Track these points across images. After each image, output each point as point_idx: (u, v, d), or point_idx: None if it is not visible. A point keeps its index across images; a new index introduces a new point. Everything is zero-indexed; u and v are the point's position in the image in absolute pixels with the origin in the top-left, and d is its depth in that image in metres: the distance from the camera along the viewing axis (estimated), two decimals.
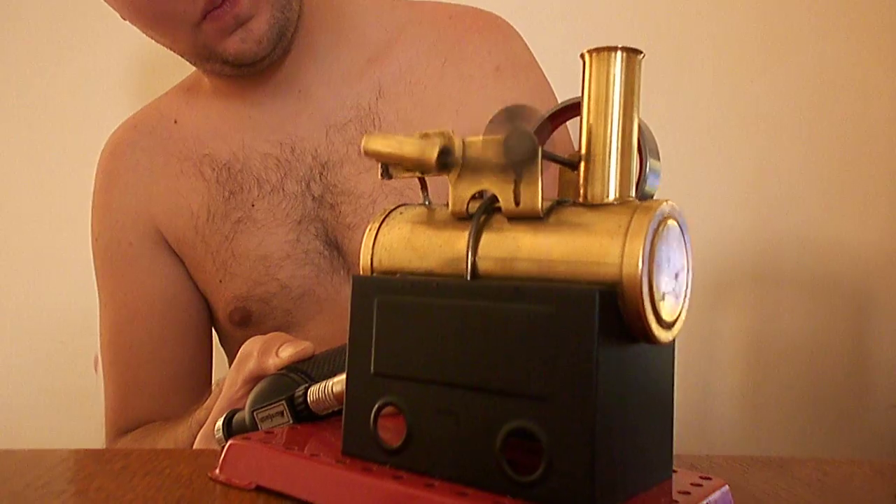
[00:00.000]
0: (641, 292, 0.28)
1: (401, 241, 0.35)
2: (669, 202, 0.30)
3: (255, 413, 0.43)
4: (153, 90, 0.91)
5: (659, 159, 0.35)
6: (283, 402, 0.41)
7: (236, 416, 0.45)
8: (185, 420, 0.69)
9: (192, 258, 0.80)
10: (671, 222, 0.30)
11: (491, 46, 0.80)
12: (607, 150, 0.31)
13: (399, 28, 0.81)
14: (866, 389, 1.40)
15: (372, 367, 0.33)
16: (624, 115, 0.31)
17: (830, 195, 1.35)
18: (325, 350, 0.48)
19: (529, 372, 0.29)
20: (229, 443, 0.36)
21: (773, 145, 1.33)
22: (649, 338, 0.29)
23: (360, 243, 0.74)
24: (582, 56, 0.32)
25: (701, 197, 1.27)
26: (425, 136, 0.33)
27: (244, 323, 0.79)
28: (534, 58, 0.82)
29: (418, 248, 0.34)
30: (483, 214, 0.33)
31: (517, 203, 0.31)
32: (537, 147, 0.31)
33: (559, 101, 0.36)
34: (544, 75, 0.82)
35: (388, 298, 0.33)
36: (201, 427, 0.66)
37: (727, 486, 0.34)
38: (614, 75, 0.31)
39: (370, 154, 0.34)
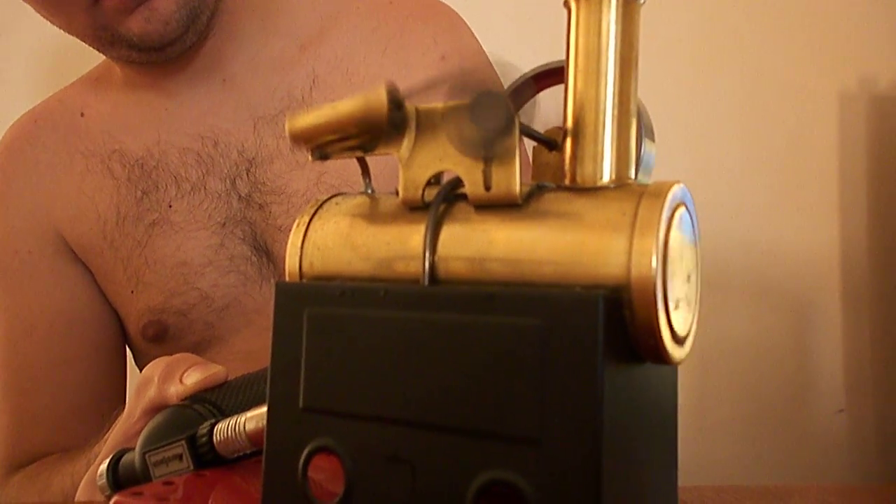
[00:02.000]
0: (655, 299, 0.22)
1: (337, 238, 0.27)
2: (680, 184, 0.24)
3: (147, 455, 0.34)
4: (60, 82, 0.82)
5: (654, 140, 0.29)
6: (183, 441, 0.33)
7: (124, 459, 0.37)
8: (85, 453, 0.60)
9: (99, 267, 0.71)
10: (682, 210, 0.24)
11: (436, 34, 0.73)
12: (601, 120, 0.25)
13: (334, 13, 0.73)
14: (810, 394, 1.38)
15: (301, 400, 0.26)
16: (621, 76, 0.25)
17: (772, 200, 1.33)
18: (241, 375, 0.40)
19: (510, 406, 0.22)
20: (113, 500, 0.28)
21: (714, 150, 1.30)
22: (660, 356, 0.23)
23: None
24: (566, 4, 0.25)
25: None
26: (348, 100, 0.26)
27: (159, 338, 0.70)
28: (481, 47, 0.76)
29: (360, 247, 0.27)
30: (443, 202, 0.26)
31: (487, 187, 0.24)
32: (513, 115, 0.24)
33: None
34: (493, 66, 0.75)
35: (321, 311, 0.26)
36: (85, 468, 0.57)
37: None
38: (608, 25, 0.24)
39: (298, 133, 0.27)
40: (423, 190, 0.26)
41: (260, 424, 0.31)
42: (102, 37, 0.63)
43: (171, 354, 0.69)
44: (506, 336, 0.22)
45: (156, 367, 0.44)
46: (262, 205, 0.68)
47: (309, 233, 0.28)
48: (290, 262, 0.28)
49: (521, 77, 0.28)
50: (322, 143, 0.27)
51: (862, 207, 1.36)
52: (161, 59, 0.65)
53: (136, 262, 0.69)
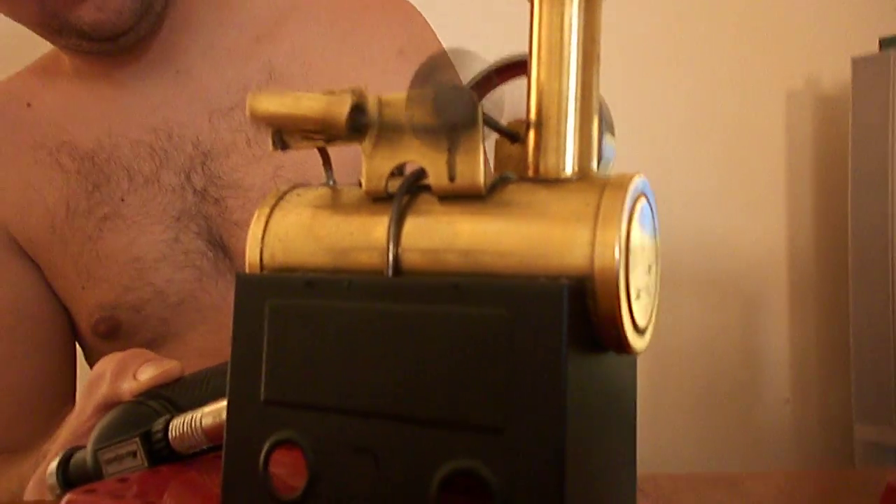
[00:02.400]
0: (618, 288, 0.22)
1: (299, 229, 0.27)
2: (641, 176, 0.24)
3: (98, 453, 0.34)
4: (4, 70, 0.79)
5: (614, 134, 0.29)
6: (137, 438, 0.33)
7: (75, 457, 0.36)
8: (33, 454, 0.58)
9: (48, 262, 0.69)
10: (643, 202, 0.24)
11: (393, 27, 0.73)
12: (564, 113, 0.25)
13: (291, 5, 0.73)
14: (758, 384, 1.42)
15: (262, 393, 0.26)
16: (584, 70, 0.25)
17: (720, 195, 1.36)
18: (197, 371, 0.40)
19: (474, 396, 0.22)
20: (66, 499, 0.27)
21: (664, 145, 1.33)
22: (622, 345, 0.23)
23: None
24: None
25: None
26: (330, 92, 0.26)
27: (111, 335, 0.68)
28: (439, 40, 0.76)
29: (323, 238, 0.27)
30: (406, 193, 0.26)
31: (451, 178, 0.25)
32: (477, 105, 0.24)
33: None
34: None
35: (283, 303, 0.25)
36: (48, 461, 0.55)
37: None
38: (571, 20, 0.25)
39: (258, 117, 0.26)
40: (387, 181, 0.26)
41: (217, 420, 0.31)
42: (51, 25, 0.61)
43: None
44: (470, 326, 0.22)
45: (107, 363, 0.43)
46: (218, 199, 0.67)
47: (270, 224, 0.28)
48: (251, 254, 0.28)
49: (484, 70, 0.28)
50: (282, 131, 0.27)
51: (808, 203, 1.40)
52: (113, 49, 0.64)
53: (87, 257, 0.67)
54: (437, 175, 0.25)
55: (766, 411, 1.42)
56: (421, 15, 0.75)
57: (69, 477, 0.35)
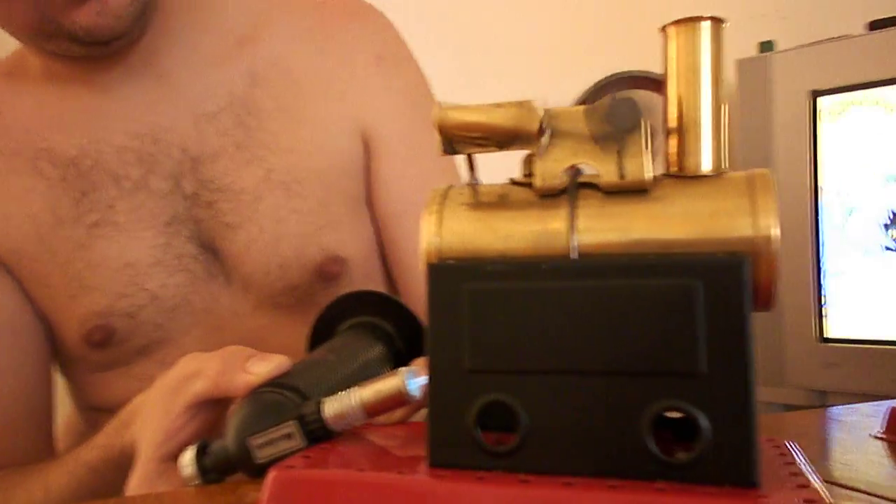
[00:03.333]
0: (776, 260, 0.28)
1: (476, 223, 0.32)
2: (768, 171, 0.31)
3: (249, 440, 0.36)
4: None
5: None
6: (293, 422, 0.36)
7: (213, 446, 0.38)
8: (59, 464, 0.57)
9: (32, 272, 0.67)
10: None
11: (370, 34, 0.76)
12: (700, 119, 0.31)
13: (266, 11, 0.74)
14: None
15: (467, 363, 0.30)
16: (714, 84, 0.31)
17: None
18: (298, 361, 0.43)
19: (675, 349, 0.28)
20: (273, 474, 0.30)
21: None
22: (769, 306, 0.29)
23: (244, 244, 0.68)
24: (664, 29, 0.31)
25: None
26: (500, 105, 0.30)
27: (105, 343, 0.68)
28: (408, 48, 0.80)
29: (499, 230, 0.31)
30: (576, 190, 0.31)
31: (622, 176, 0.30)
32: (641, 114, 0.29)
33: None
34: (419, 68, 0.80)
35: (481, 286, 0.30)
36: (91, 469, 0.55)
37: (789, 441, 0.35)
38: (702, 44, 0.31)
39: (448, 126, 0.30)
40: (558, 180, 0.31)
41: (379, 396, 0.35)
42: (43, 29, 0.60)
43: (118, 359, 0.68)
44: (665, 294, 0.28)
45: (195, 361, 0.44)
46: (211, 202, 0.68)
47: (444, 220, 0.32)
48: (428, 245, 0.32)
49: (610, 76, 0.34)
50: (453, 140, 0.31)
51: None
52: (103, 53, 0.64)
53: (78, 265, 0.66)
54: (608, 173, 0.30)
55: None
56: (392, 24, 0.79)
57: (205, 465, 0.37)
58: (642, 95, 0.31)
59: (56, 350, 0.72)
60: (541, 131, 0.30)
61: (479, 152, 0.32)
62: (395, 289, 0.76)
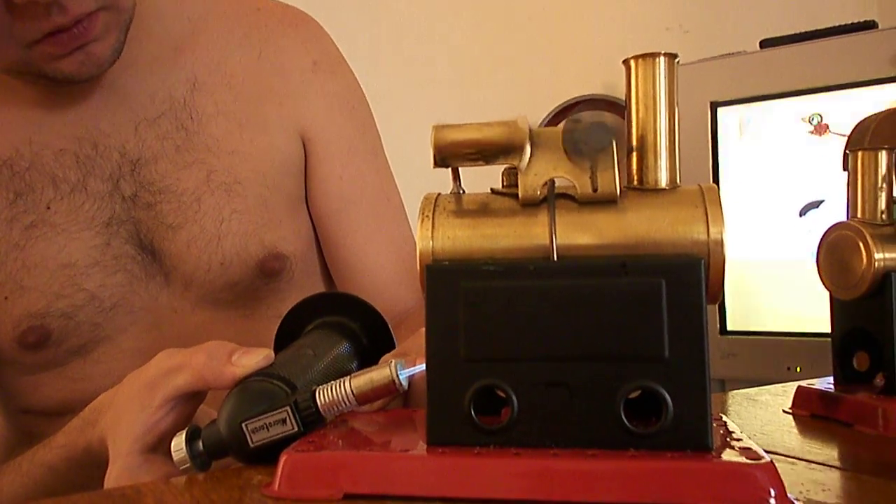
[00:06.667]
0: (725, 263, 0.34)
1: (467, 229, 0.35)
2: (712, 184, 0.36)
3: (245, 424, 0.39)
4: None
5: None
6: (288, 407, 0.38)
7: (206, 431, 0.40)
8: (10, 466, 0.57)
9: None
10: None
11: (305, 41, 0.79)
12: (659, 141, 0.36)
13: (202, 18, 0.75)
14: None
15: (462, 353, 0.34)
16: (668, 109, 0.36)
17: None
18: (280, 353, 0.45)
19: (643, 337, 0.32)
20: (285, 457, 0.33)
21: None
22: (717, 299, 0.35)
23: (185, 243, 0.69)
24: (626, 63, 0.36)
25: None
26: (489, 124, 0.34)
27: (40, 345, 0.67)
28: (343, 55, 0.82)
29: (489, 236, 0.35)
30: (555, 200, 0.35)
31: (594, 189, 0.35)
32: (612, 136, 0.34)
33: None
34: (353, 74, 0.83)
35: (476, 284, 0.34)
36: (49, 469, 0.55)
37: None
38: (659, 75, 0.36)
39: (444, 148, 0.34)
40: (539, 191, 0.35)
41: (369, 385, 0.38)
42: (23, 69, 0.61)
43: (52, 360, 0.67)
44: (635, 290, 0.33)
45: (175, 357, 0.46)
46: (151, 204, 0.69)
47: (436, 224, 0.36)
48: (423, 247, 0.35)
49: (567, 101, 0.38)
50: (445, 155, 0.35)
51: None
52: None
53: (13, 266, 0.66)
54: (583, 185, 0.35)
55: None
56: (327, 32, 0.81)
57: (195, 449, 0.39)
58: (609, 118, 0.36)
59: None
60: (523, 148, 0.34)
61: (468, 166, 0.36)
62: (332, 283, 0.79)
